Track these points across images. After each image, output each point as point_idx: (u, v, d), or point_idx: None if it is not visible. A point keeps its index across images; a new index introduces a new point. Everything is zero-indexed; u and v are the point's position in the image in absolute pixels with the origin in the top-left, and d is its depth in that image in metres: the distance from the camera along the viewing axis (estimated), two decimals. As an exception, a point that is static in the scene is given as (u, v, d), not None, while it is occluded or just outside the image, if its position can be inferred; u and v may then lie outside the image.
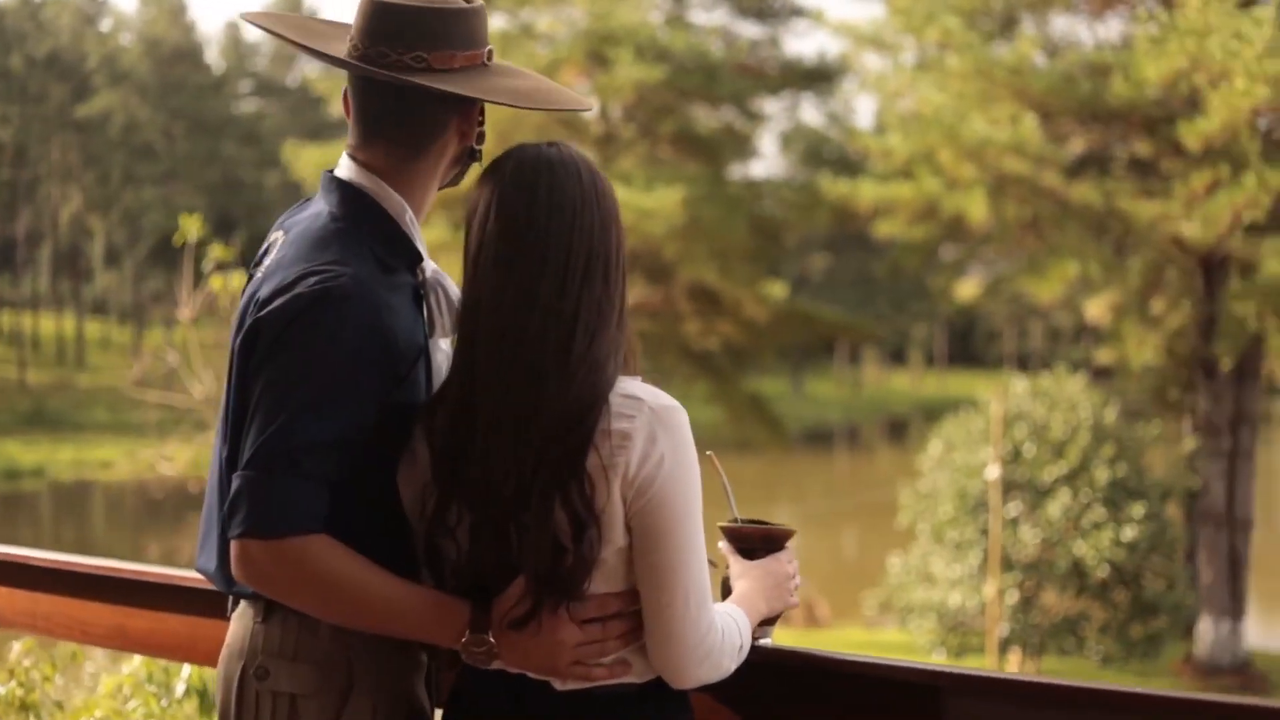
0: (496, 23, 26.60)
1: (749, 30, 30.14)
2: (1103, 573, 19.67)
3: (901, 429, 72.74)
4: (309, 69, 71.73)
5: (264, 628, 2.44)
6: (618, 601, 2.33)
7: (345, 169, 2.56)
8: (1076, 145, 24.90)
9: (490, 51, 2.56)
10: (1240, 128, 20.80)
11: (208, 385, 13.70)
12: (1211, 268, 23.65)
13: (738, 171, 29.62)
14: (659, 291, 27.07)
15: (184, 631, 3.38)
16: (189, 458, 15.49)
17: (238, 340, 2.42)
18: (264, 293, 2.39)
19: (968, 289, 31.86)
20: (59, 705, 4.73)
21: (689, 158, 27.37)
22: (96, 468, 44.17)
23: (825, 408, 76.41)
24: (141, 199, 67.54)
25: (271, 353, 2.34)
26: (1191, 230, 21.91)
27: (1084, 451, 20.08)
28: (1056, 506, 19.87)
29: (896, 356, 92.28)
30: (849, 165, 29.24)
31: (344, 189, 2.53)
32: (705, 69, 25.91)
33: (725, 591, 2.54)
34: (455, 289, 2.54)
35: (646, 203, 23.03)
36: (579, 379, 2.27)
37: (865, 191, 24.47)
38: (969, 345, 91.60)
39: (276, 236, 2.58)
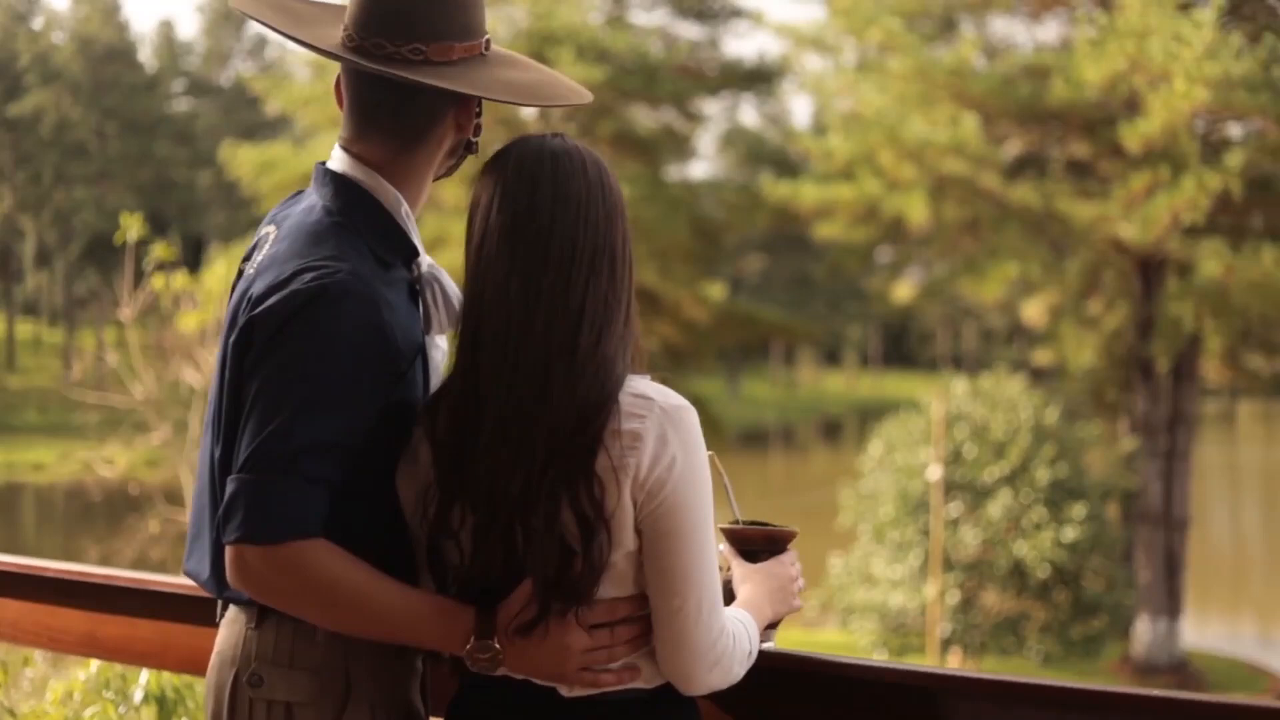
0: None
1: (689, 31, 30.14)
2: (1043, 573, 19.78)
3: (837, 430, 73.07)
4: (244, 68, 71.24)
5: (258, 634, 2.36)
6: (626, 606, 2.26)
7: (339, 161, 2.49)
8: (1015, 147, 25.06)
9: (488, 40, 2.50)
10: (1180, 130, 20.98)
11: (149, 386, 13.52)
12: (1149, 269, 23.85)
13: (677, 172, 29.57)
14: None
15: (156, 638, 3.28)
16: (130, 460, 15.28)
17: (231, 338, 2.34)
18: (258, 289, 2.32)
19: (904, 290, 32.00)
20: (10, 712, 4.62)
21: (628, 158, 27.31)
22: (28, 470, 43.63)
23: (761, 409, 76.49)
24: (73, 199, 66.74)
25: (267, 351, 2.26)
26: (1130, 232, 22.08)
27: (1024, 452, 20.18)
28: (997, 507, 19.96)
29: (831, 357, 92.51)
30: (789, 166, 29.29)
31: (338, 182, 2.46)
32: (645, 70, 25.87)
33: (728, 595, 2.48)
34: (452, 285, 2.48)
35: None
36: (587, 377, 2.21)
37: (807, 193, 24.52)
38: (903, 346, 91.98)
39: (268, 231, 2.50)
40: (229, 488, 2.24)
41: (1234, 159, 20.83)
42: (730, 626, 2.29)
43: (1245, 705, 2.34)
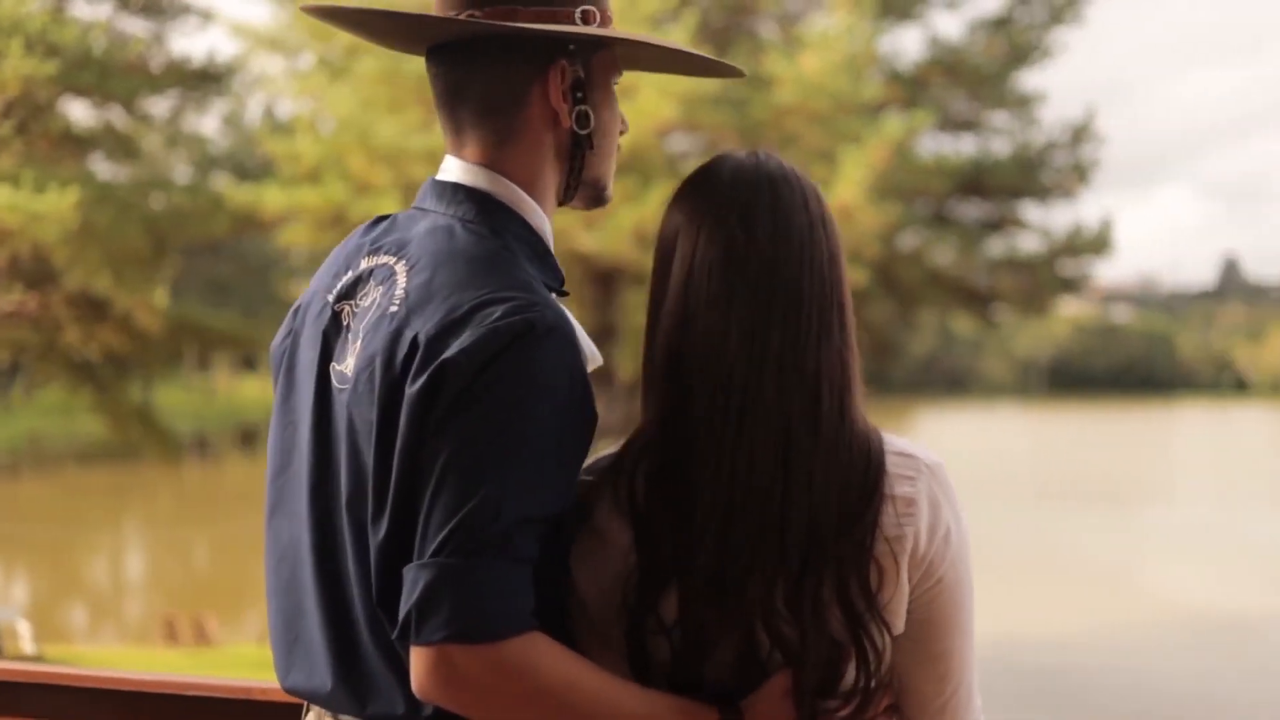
0: None
1: (134, 27, 28.69)
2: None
3: (254, 437, 71.63)
4: None
5: None
6: (886, 695, 1.95)
7: (457, 171, 2.08)
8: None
9: (607, 17, 2.11)
10: (648, 143, 21.66)
11: None
12: (609, 279, 24.49)
13: (126, 174, 28.15)
14: (34, 298, 25.40)
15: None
16: None
17: (413, 389, 1.86)
18: (426, 329, 1.87)
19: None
20: None
21: (71, 158, 25.80)
22: None
23: (177, 417, 74.08)
24: None
25: (461, 404, 1.83)
26: (590, 243, 22.57)
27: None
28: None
29: (248, 363, 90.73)
30: (247, 169, 28.44)
31: (473, 196, 2.05)
32: (94, 65, 24.43)
33: None
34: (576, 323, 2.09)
35: (37, 205, 21.48)
36: (840, 454, 1.88)
37: (270, 197, 23.80)
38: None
39: (382, 261, 2.03)
40: (419, 577, 1.81)
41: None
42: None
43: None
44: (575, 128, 2.07)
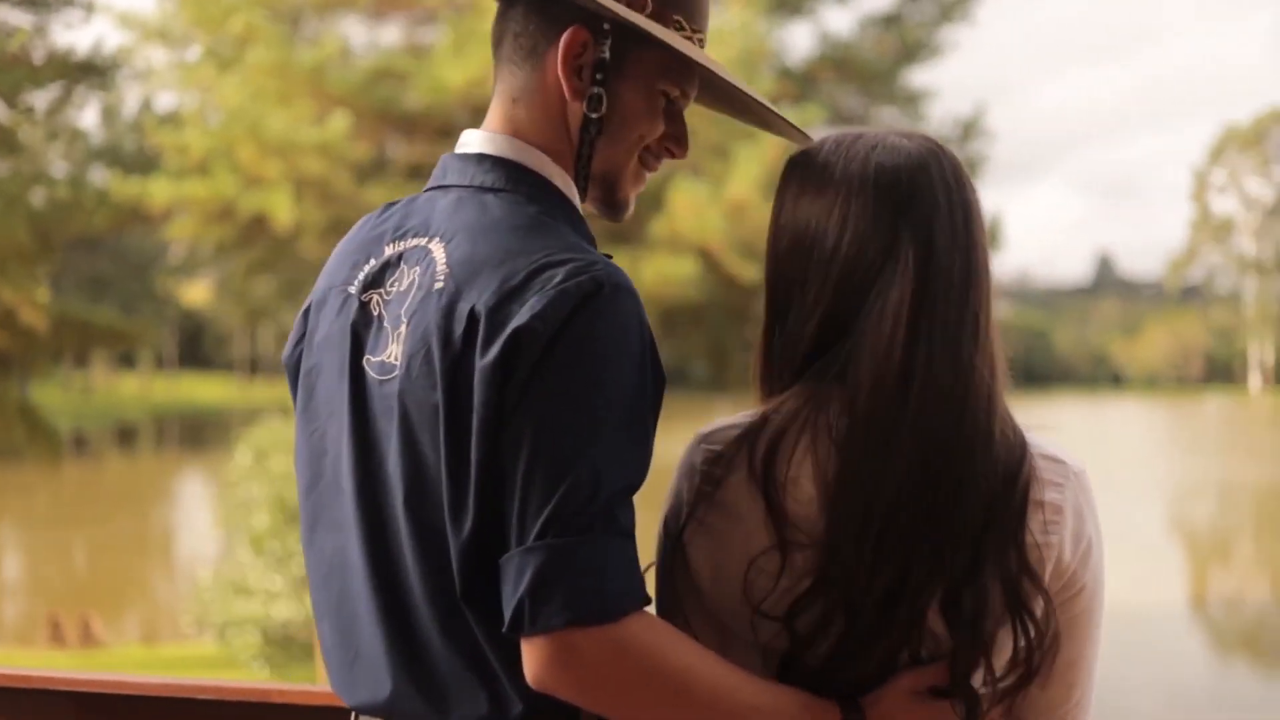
0: None
1: (18, 19, 28.08)
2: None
3: (133, 435, 70.59)
4: None
5: None
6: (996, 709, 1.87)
7: (478, 141, 1.99)
8: (371, 148, 24.99)
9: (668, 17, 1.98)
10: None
11: None
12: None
13: (8, 168, 27.55)
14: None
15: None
16: None
17: (484, 362, 1.74)
18: (484, 300, 1.76)
19: (197, 291, 31.38)
20: None
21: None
22: None
23: (55, 415, 72.79)
24: None
25: (540, 373, 1.71)
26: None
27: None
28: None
29: (126, 360, 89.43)
30: (129, 163, 27.97)
31: (501, 165, 1.95)
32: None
33: None
34: None
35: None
36: (998, 424, 1.80)
37: (158, 190, 23.45)
38: (199, 348, 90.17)
39: (412, 244, 1.93)
40: (525, 563, 1.69)
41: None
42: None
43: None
44: (586, 110, 1.95)
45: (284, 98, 22.74)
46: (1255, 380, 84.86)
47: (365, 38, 27.42)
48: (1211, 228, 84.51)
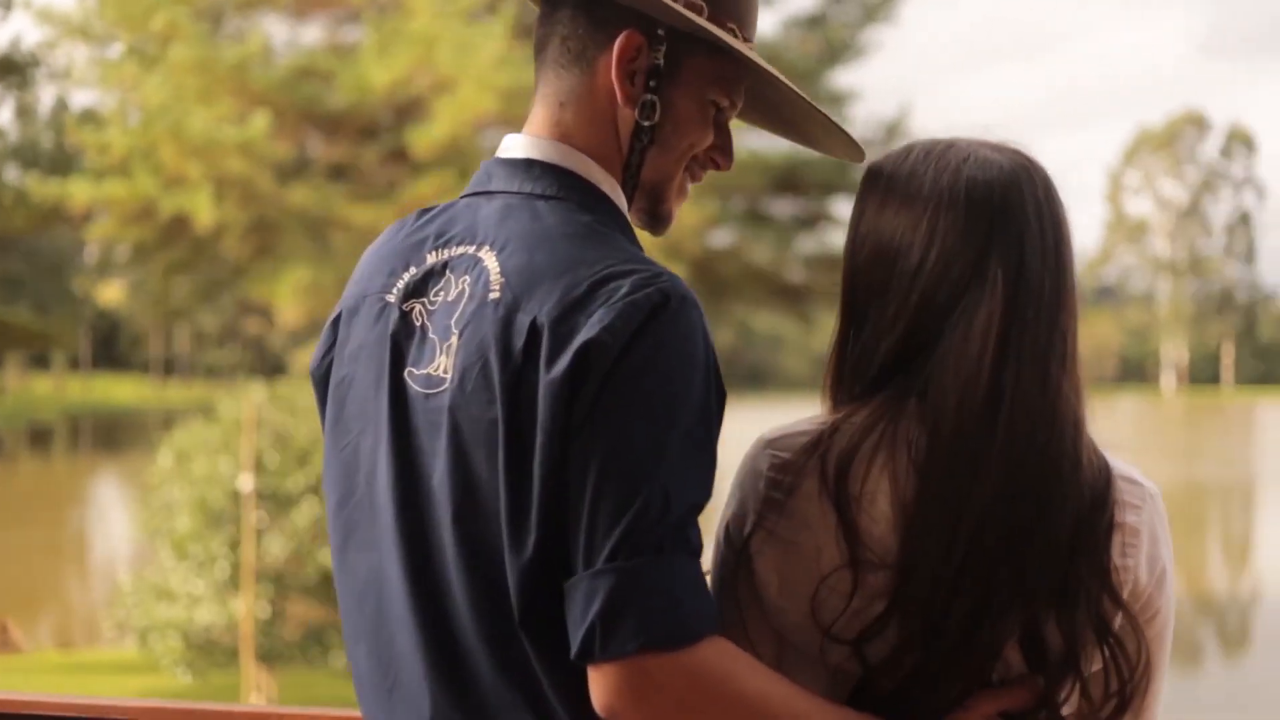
0: None
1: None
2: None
3: (47, 437, 69.67)
4: None
5: None
6: None
7: (522, 146, 1.90)
8: (293, 148, 24.78)
9: (722, 21, 1.92)
10: (467, 136, 21.52)
11: None
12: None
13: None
14: None
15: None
16: None
17: (551, 376, 1.67)
18: (546, 311, 1.69)
19: (113, 291, 31.05)
20: None
21: None
22: None
23: (-36, 417, 71.74)
24: None
25: (610, 387, 1.65)
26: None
27: (328, 459, 19.88)
28: (303, 516, 19.54)
29: (39, 360, 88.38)
30: (43, 162, 27.60)
31: (551, 172, 1.87)
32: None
33: None
34: None
35: None
36: (1084, 465, 1.75)
37: (77, 191, 23.14)
38: (114, 349, 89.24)
39: (459, 251, 1.84)
40: (595, 587, 1.62)
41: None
42: None
43: None
44: (639, 117, 1.88)
45: (206, 96, 22.50)
46: (1169, 380, 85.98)
47: (287, 36, 27.23)
48: (1126, 229, 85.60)
